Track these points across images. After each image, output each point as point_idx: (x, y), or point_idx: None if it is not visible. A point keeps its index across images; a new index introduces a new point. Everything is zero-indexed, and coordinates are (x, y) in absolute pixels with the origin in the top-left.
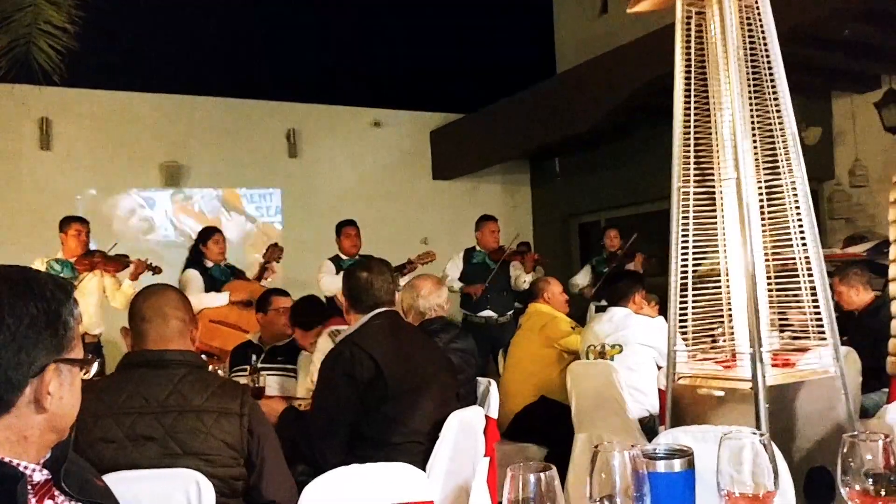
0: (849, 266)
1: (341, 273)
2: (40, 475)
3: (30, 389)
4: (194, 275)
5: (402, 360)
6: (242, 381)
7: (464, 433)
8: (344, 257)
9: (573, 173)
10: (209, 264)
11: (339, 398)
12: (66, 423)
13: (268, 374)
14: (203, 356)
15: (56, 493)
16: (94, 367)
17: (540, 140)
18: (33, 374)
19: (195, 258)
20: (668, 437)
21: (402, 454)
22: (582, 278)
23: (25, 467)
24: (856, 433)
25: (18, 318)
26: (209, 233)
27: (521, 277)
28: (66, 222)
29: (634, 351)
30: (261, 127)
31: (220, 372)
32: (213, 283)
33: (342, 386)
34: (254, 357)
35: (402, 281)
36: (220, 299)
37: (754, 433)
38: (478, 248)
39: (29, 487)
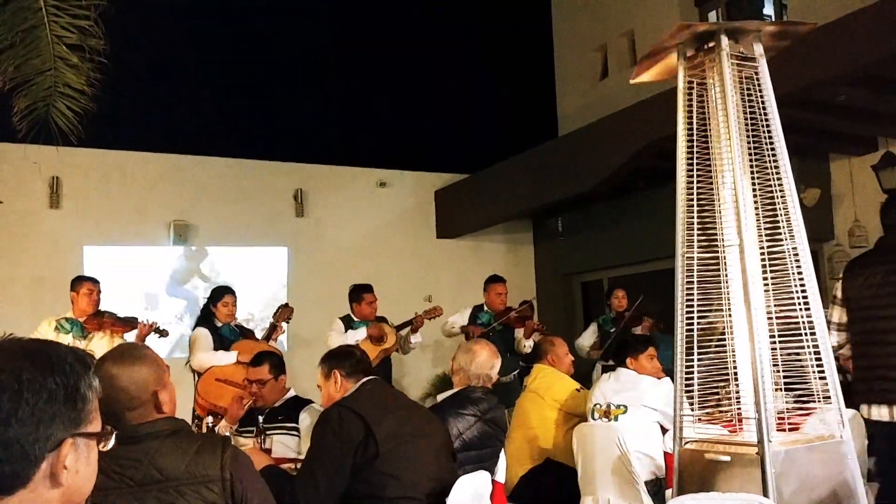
0: None
1: (349, 332)
2: None
3: (46, 464)
4: (204, 333)
5: (391, 418)
6: (249, 442)
7: (471, 499)
8: (356, 318)
9: (576, 232)
10: (219, 323)
11: (323, 449)
12: (81, 497)
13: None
14: (210, 416)
15: None
16: (112, 441)
17: (542, 200)
18: (50, 449)
19: (205, 317)
20: None
21: None
22: (588, 339)
23: None
24: None
25: (37, 394)
26: (220, 293)
27: (522, 342)
28: (78, 281)
29: (640, 412)
30: (269, 187)
31: (226, 432)
32: (221, 342)
33: (328, 441)
34: (260, 418)
35: (414, 338)
36: (228, 358)
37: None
38: (485, 307)
39: None
